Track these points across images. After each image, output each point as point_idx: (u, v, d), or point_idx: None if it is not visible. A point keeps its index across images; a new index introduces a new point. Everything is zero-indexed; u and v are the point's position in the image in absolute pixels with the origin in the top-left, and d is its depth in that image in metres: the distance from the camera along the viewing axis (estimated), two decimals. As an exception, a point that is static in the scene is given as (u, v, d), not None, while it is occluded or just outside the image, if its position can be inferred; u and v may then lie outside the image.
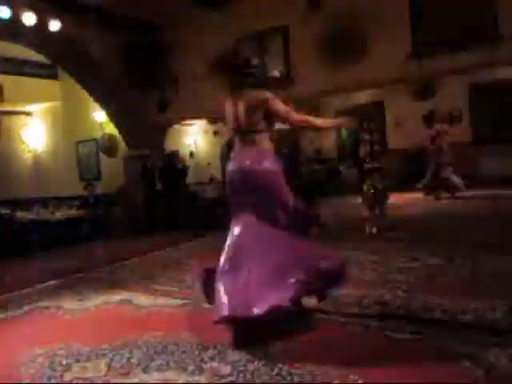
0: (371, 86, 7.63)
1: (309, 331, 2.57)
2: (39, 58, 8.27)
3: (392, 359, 2.13)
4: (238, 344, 2.37)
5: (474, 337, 2.27)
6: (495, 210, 6.48)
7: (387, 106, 11.08)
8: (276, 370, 2.08)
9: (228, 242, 2.68)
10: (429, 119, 8.45)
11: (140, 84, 8.29)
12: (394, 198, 7.60)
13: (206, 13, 7.62)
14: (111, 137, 10.02)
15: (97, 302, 3.55)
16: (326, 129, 2.83)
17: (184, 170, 8.79)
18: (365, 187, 5.83)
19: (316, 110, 12.15)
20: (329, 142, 12.26)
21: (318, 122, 3.03)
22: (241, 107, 2.76)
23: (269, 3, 7.12)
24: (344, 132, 12.11)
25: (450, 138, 8.64)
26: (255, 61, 3.02)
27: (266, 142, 2.80)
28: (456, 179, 8.22)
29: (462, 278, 3.34)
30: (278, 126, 2.96)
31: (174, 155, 8.85)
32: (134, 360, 2.32)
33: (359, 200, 6.18)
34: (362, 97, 10.34)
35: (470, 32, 5.81)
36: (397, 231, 5.49)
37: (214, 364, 2.20)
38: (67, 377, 2.23)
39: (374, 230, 5.53)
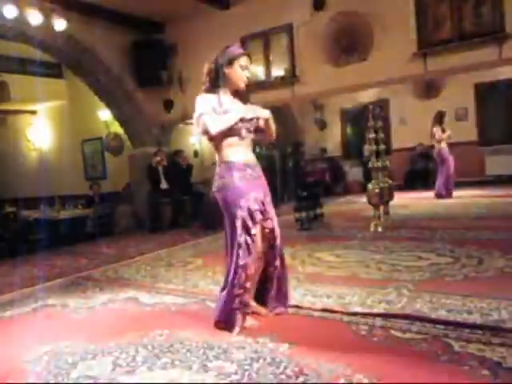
0: (376, 85, 7.60)
1: (313, 330, 2.57)
2: (45, 57, 8.29)
3: (397, 359, 2.12)
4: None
5: (480, 337, 2.26)
6: (501, 209, 6.45)
7: (392, 104, 11.05)
8: (281, 369, 2.08)
9: None
10: (439, 119, 8.33)
11: (145, 83, 8.32)
12: (399, 197, 7.59)
13: (210, 12, 7.62)
14: (116, 135, 10.06)
15: (102, 300, 3.57)
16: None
17: (189, 169, 8.81)
18: (370, 186, 5.83)
19: (321, 109, 12.19)
20: (334, 141, 12.25)
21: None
22: None
23: (273, 2, 7.11)
24: (349, 130, 12.11)
25: (456, 137, 8.62)
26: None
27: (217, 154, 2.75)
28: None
29: (468, 277, 3.32)
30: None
31: (178, 154, 8.86)
32: (139, 358, 2.33)
33: (364, 199, 6.17)
34: (367, 95, 10.33)
35: (476, 31, 5.78)
36: (402, 230, 5.48)
37: (219, 363, 2.20)
38: (73, 375, 2.24)
39: (379, 229, 5.52)
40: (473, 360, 2.02)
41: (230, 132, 2.63)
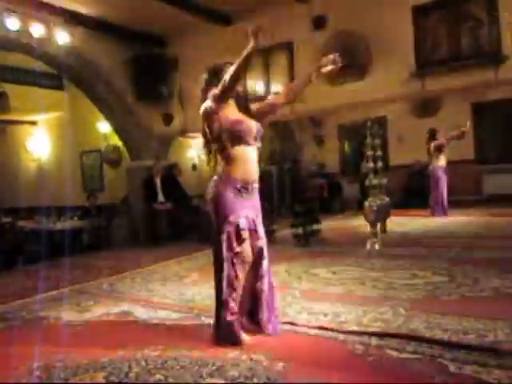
0: (373, 104, 7.67)
1: (309, 349, 2.55)
2: (46, 68, 8.35)
3: (392, 379, 2.11)
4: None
5: (476, 358, 2.24)
6: (498, 228, 6.46)
7: (390, 122, 11.12)
8: (275, 388, 2.06)
9: None
10: (432, 136, 8.40)
11: (145, 96, 8.37)
12: (396, 214, 7.60)
13: (211, 27, 7.71)
14: (115, 148, 10.09)
15: (96, 313, 3.54)
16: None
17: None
18: (367, 203, 5.83)
19: (319, 125, 12.25)
20: (331, 157, 12.29)
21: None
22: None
23: (273, 20, 7.19)
24: (347, 147, 12.17)
25: (453, 156, 8.65)
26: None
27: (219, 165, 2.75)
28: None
29: (464, 296, 3.31)
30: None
31: (173, 167, 8.87)
32: (132, 374, 2.30)
33: (361, 216, 6.17)
34: (365, 112, 10.39)
35: (473, 52, 5.87)
36: (398, 248, 5.47)
37: (213, 380, 2.18)
38: (65, 390, 2.21)
39: (376, 246, 5.51)
40: (469, 382, 2.00)
41: (238, 139, 2.65)
